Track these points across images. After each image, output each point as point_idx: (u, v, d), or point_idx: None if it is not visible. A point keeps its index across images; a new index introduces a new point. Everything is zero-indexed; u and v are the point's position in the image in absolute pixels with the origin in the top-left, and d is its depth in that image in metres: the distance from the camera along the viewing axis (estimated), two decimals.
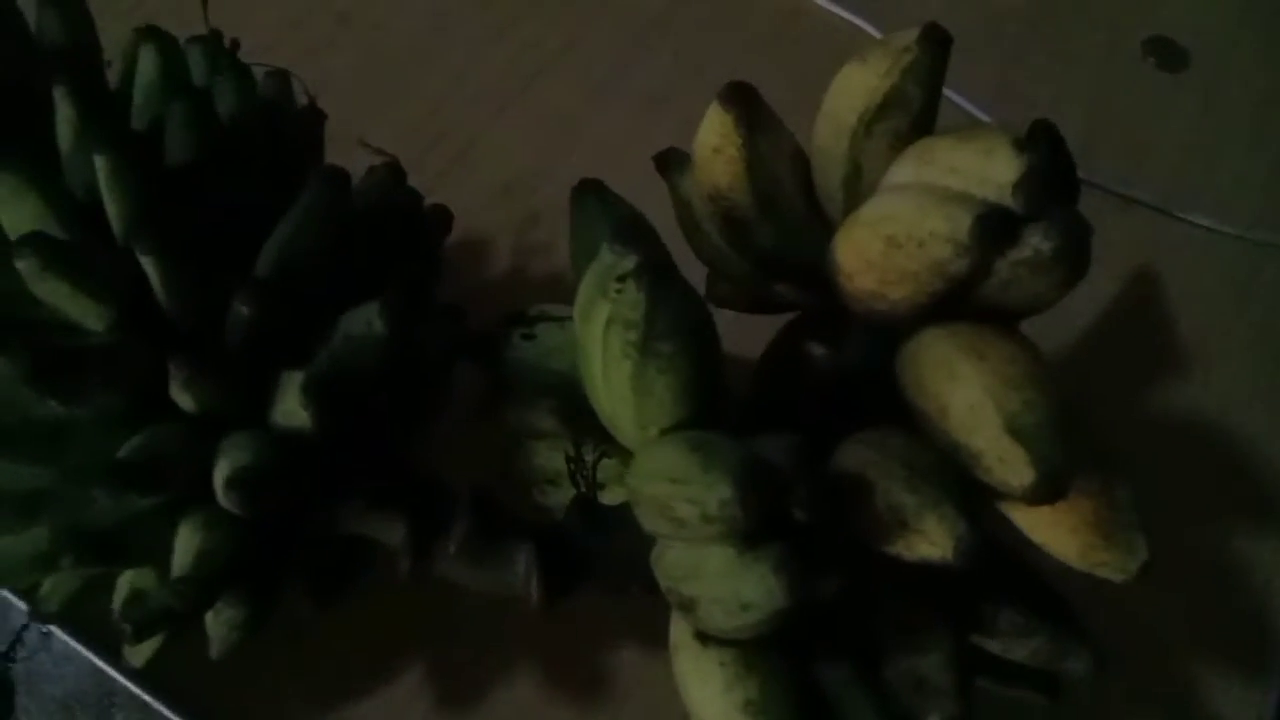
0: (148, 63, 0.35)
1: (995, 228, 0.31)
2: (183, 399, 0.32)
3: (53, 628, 0.43)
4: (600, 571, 0.38)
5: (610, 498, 0.40)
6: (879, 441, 0.35)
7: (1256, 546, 0.50)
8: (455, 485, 0.40)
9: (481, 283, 0.56)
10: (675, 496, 0.30)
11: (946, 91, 0.36)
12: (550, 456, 0.42)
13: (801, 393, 0.41)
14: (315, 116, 0.41)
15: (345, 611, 0.41)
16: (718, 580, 0.30)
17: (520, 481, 0.43)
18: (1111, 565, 0.34)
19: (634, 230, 0.35)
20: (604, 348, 0.33)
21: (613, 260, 0.34)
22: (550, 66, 0.64)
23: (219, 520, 0.32)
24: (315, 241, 0.35)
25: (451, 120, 0.61)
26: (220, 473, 0.31)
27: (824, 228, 0.39)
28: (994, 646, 0.37)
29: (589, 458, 0.40)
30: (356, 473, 0.37)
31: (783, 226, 0.39)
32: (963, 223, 0.31)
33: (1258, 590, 0.49)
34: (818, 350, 0.40)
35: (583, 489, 0.40)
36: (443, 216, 0.43)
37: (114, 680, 0.43)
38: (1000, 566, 0.35)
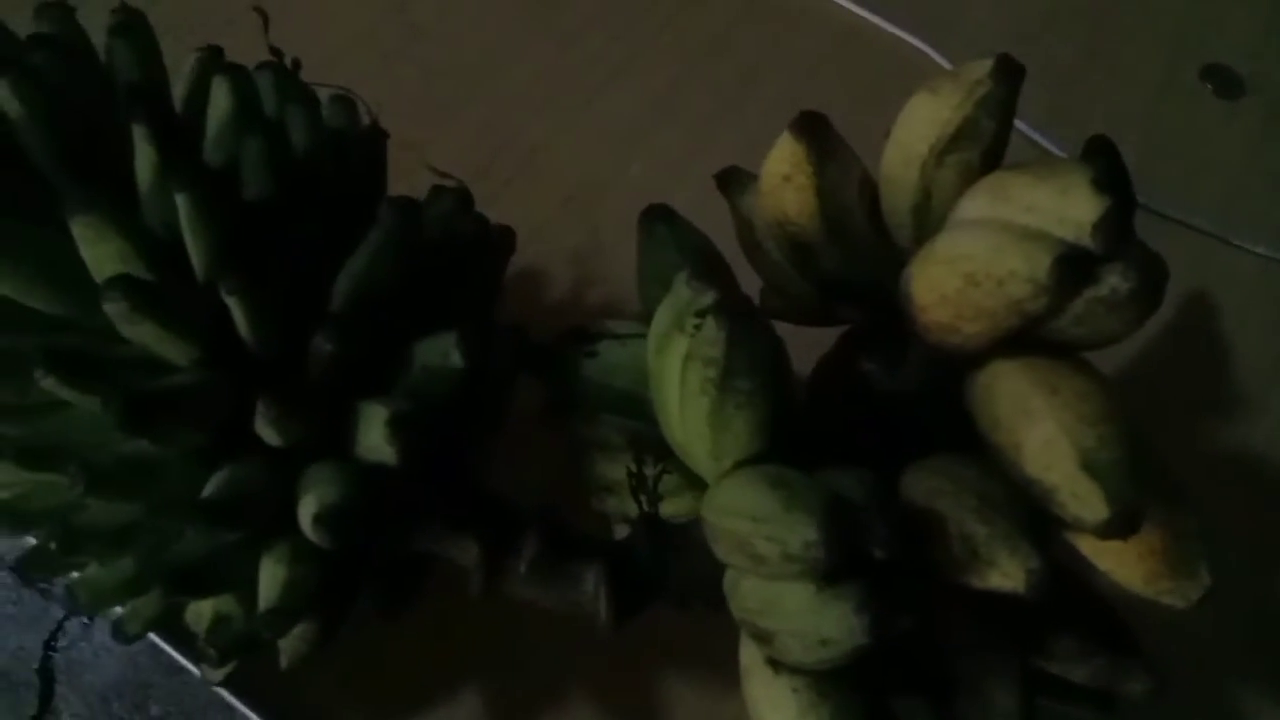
0: (221, 97, 0.35)
1: (1074, 268, 0.31)
2: (268, 434, 0.33)
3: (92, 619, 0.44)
4: (667, 589, 0.39)
5: (671, 510, 0.40)
6: (950, 470, 0.35)
7: None
8: (523, 505, 0.41)
9: (541, 293, 0.56)
10: (755, 534, 0.31)
11: None
12: (609, 466, 0.42)
13: (856, 411, 0.41)
14: (378, 136, 0.41)
15: (410, 630, 0.42)
16: (797, 616, 0.31)
17: (581, 489, 0.43)
18: (1175, 592, 0.35)
19: (711, 265, 0.36)
20: (682, 383, 0.34)
21: (690, 296, 0.34)
22: (613, 81, 0.65)
23: (304, 553, 0.33)
24: (388, 273, 0.36)
25: (515, 131, 0.62)
26: (307, 509, 0.32)
27: (890, 252, 0.39)
28: (1054, 667, 0.37)
29: (650, 473, 0.41)
30: (431, 495, 0.38)
31: (849, 252, 0.39)
32: (1042, 263, 0.31)
33: None
34: (873, 368, 0.40)
35: (645, 507, 0.40)
36: (506, 238, 0.43)
37: (151, 672, 0.44)
38: (1063, 591, 0.36)
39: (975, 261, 0.32)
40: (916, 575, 0.33)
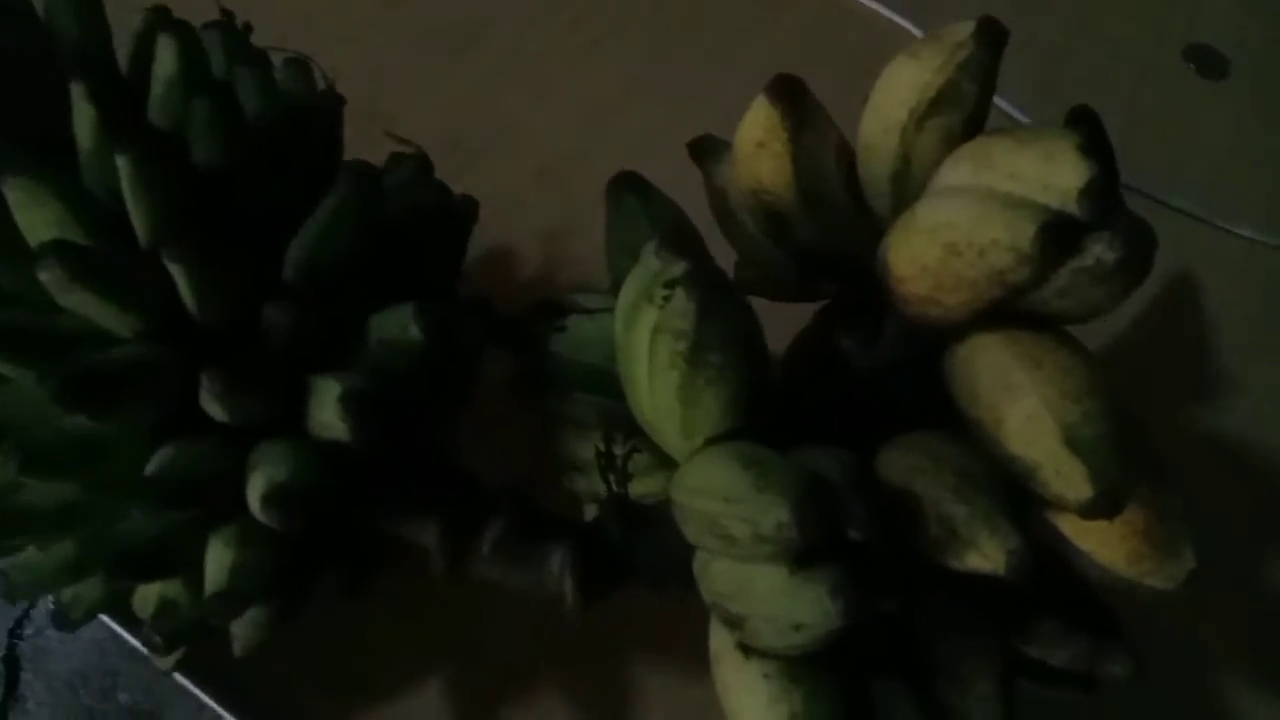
0: (167, 55, 0.33)
1: (1059, 237, 0.30)
2: (214, 410, 0.31)
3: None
4: (637, 570, 0.38)
5: (642, 489, 0.39)
6: (928, 448, 0.34)
7: None
8: (490, 483, 0.39)
9: (513, 270, 0.55)
10: (727, 515, 0.30)
11: None
12: (580, 445, 0.41)
13: (832, 388, 0.40)
14: (335, 102, 0.40)
15: (377, 613, 0.40)
16: (769, 600, 0.30)
17: (551, 466, 0.42)
18: (1158, 574, 0.34)
19: (681, 235, 0.34)
20: (650, 356, 0.32)
21: (659, 266, 0.33)
22: (590, 53, 0.63)
23: (254, 535, 0.32)
24: (345, 242, 0.34)
25: (489, 104, 0.61)
26: (255, 489, 0.30)
27: (868, 223, 0.38)
28: (1034, 650, 0.36)
29: (619, 452, 0.40)
30: (392, 472, 0.36)
31: (826, 222, 0.38)
32: (1026, 231, 0.30)
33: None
34: (850, 344, 0.39)
35: (614, 486, 0.39)
36: (469, 207, 0.42)
37: (118, 659, 0.43)
38: (1044, 572, 0.35)
39: (957, 230, 0.31)
40: (895, 556, 0.32)
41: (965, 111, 0.34)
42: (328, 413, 0.31)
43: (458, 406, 0.40)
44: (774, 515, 0.28)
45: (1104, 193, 0.30)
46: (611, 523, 0.38)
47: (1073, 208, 0.30)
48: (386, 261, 0.37)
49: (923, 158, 0.35)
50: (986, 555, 0.31)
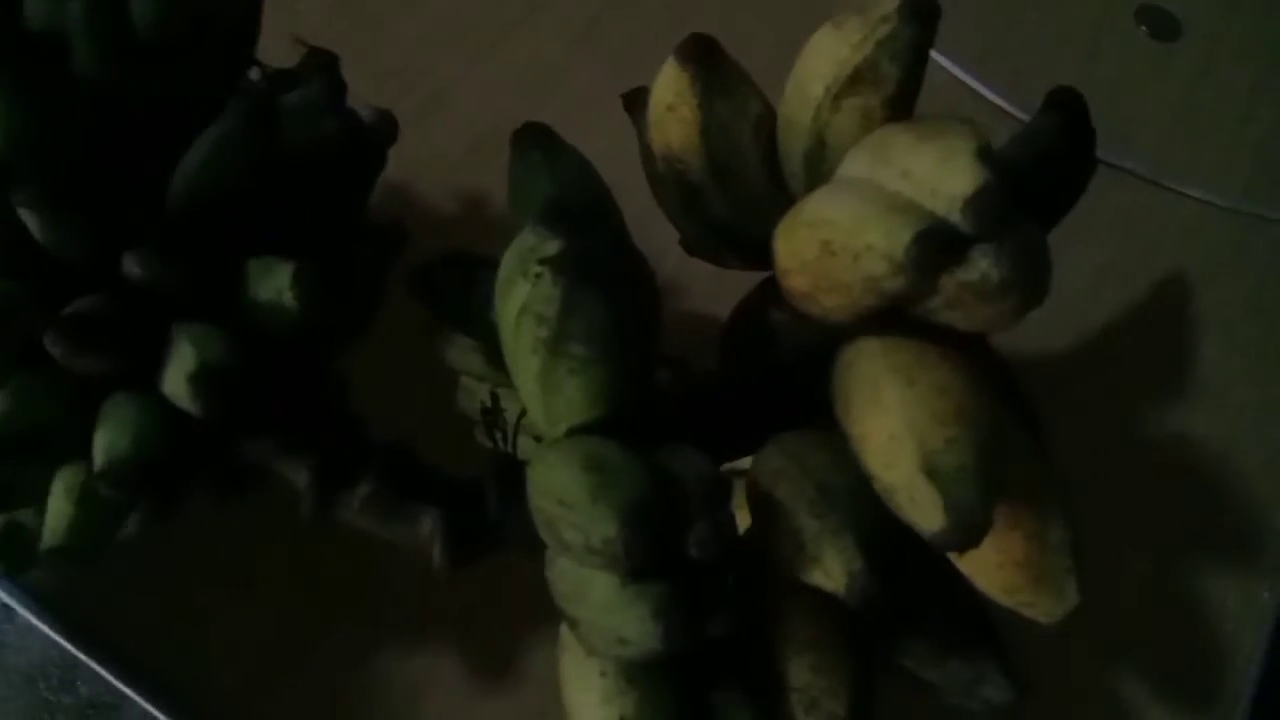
0: None
1: (935, 248, 0.27)
2: (63, 364, 0.30)
3: (14, 603, 0.42)
4: (512, 536, 0.37)
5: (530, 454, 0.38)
6: (799, 452, 0.32)
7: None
8: (377, 431, 0.38)
9: (444, 238, 0.53)
10: (562, 519, 0.28)
11: (932, 53, 0.32)
12: (481, 400, 0.40)
13: (765, 363, 0.38)
14: (251, 9, 0.38)
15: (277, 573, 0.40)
16: (599, 610, 0.28)
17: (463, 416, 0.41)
18: (1036, 607, 0.32)
19: (565, 206, 0.32)
20: (515, 335, 0.31)
21: (535, 241, 0.31)
22: (529, 16, 0.60)
23: (94, 494, 0.31)
24: (228, 179, 0.32)
25: (425, 67, 0.58)
26: (98, 451, 0.29)
27: (785, 202, 0.35)
28: (909, 664, 0.35)
29: (510, 416, 0.38)
30: (269, 406, 0.35)
31: (738, 199, 0.35)
32: (900, 239, 0.27)
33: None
34: (783, 318, 0.37)
35: (500, 445, 0.38)
36: (385, 127, 0.39)
37: (76, 651, 0.42)
38: (916, 587, 0.33)
39: (835, 229, 0.29)
40: (749, 565, 0.30)
41: (886, 92, 0.32)
42: (177, 382, 0.30)
43: (353, 337, 0.39)
44: (603, 529, 0.27)
45: (993, 203, 0.27)
46: (489, 486, 0.37)
47: (957, 217, 0.27)
48: (281, 197, 0.35)
49: (838, 138, 0.33)
50: (829, 574, 0.29)
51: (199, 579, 0.42)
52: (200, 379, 0.29)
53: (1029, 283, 0.28)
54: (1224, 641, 0.46)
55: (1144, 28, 0.64)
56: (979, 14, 0.63)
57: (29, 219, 0.29)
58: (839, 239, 0.29)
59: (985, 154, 0.28)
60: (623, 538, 0.26)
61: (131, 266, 0.30)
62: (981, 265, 0.28)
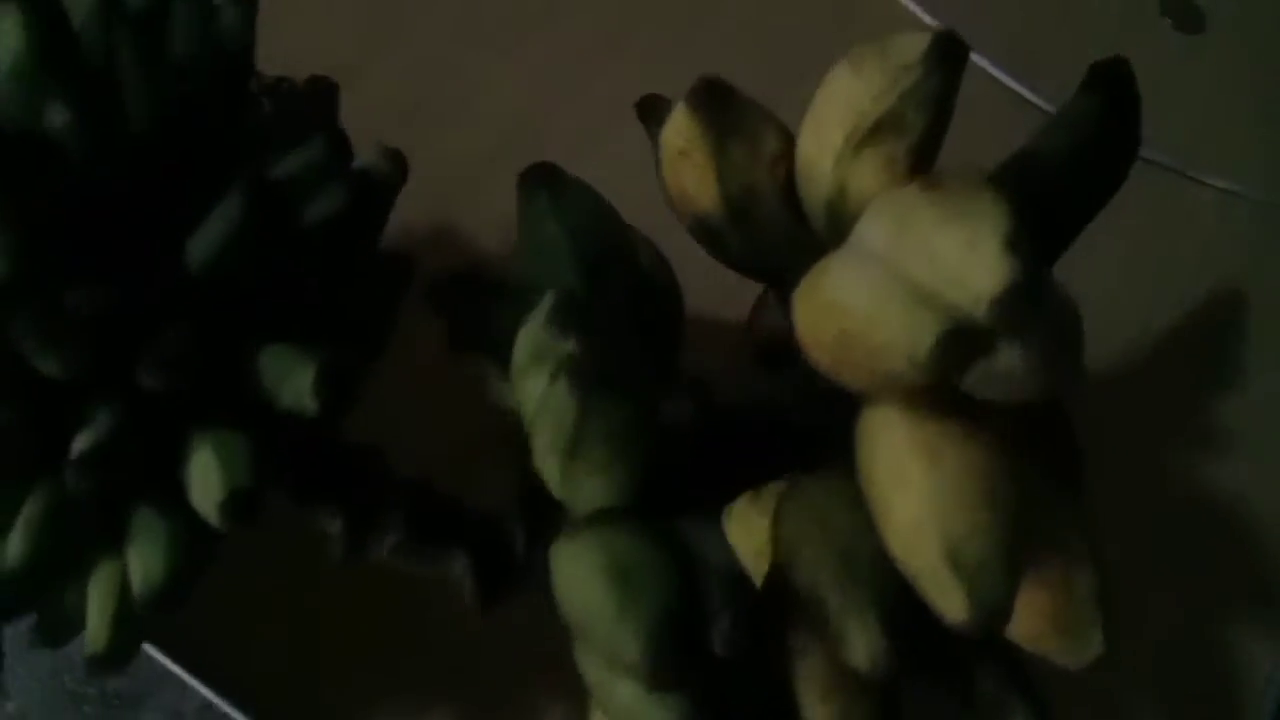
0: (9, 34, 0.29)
1: (959, 351, 0.26)
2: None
3: None
4: (539, 583, 0.37)
5: None
6: (825, 508, 0.32)
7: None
8: (396, 464, 0.38)
9: (463, 248, 0.52)
10: (590, 629, 0.29)
11: None
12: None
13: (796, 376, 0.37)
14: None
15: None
16: (624, 709, 0.29)
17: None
18: (1062, 655, 0.32)
19: (576, 303, 0.31)
20: (534, 427, 0.31)
21: (547, 340, 0.30)
22: (550, 15, 0.57)
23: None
24: (234, 273, 0.31)
25: (447, 70, 0.56)
26: (136, 581, 0.29)
27: (807, 237, 0.34)
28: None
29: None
30: (282, 465, 0.35)
31: (756, 239, 0.34)
32: (922, 341, 0.26)
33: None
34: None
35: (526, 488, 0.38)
36: (396, 167, 0.38)
37: None
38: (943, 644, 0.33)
39: (853, 319, 0.28)
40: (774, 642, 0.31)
41: (911, 139, 0.30)
42: (208, 507, 0.29)
43: (361, 381, 0.39)
44: (629, 649, 0.27)
45: (1021, 300, 0.26)
46: (516, 524, 0.37)
47: (983, 313, 0.26)
48: (288, 270, 0.34)
49: (859, 187, 0.31)
50: (853, 652, 0.29)
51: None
52: (229, 505, 0.29)
53: (1060, 368, 0.27)
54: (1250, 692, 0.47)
55: (1169, 20, 0.64)
56: (1003, 6, 0.62)
57: (29, 349, 0.28)
58: (857, 329, 0.27)
59: (1015, 239, 0.26)
60: (646, 661, 0.27)
61: (148, 379, 0.29)
62: (1007, 357, 0.27)
